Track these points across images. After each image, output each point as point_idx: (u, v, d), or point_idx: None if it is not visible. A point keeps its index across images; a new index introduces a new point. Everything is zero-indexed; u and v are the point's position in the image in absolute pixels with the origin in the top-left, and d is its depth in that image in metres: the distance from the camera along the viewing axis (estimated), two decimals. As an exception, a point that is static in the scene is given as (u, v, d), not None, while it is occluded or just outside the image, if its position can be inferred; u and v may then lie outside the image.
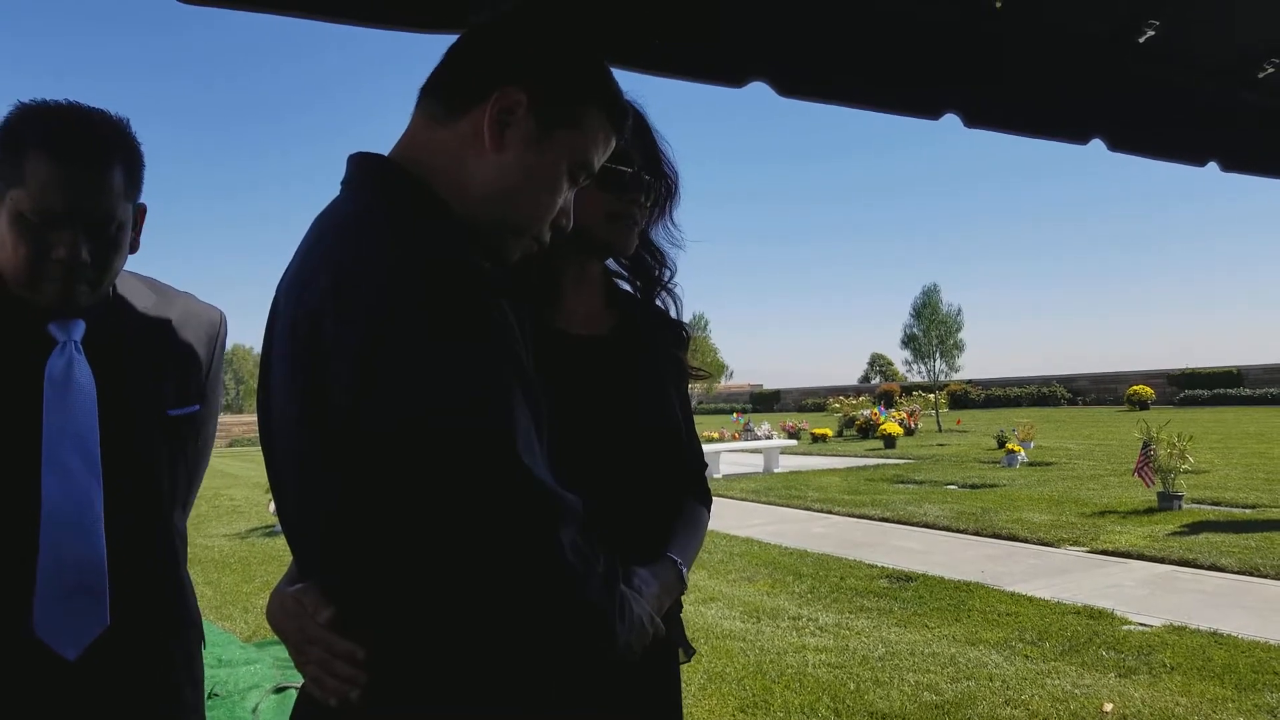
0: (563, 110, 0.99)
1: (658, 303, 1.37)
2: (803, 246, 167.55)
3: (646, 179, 1.24)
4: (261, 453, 1.02)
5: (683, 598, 1.23)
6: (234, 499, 14.41)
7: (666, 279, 1.37)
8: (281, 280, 0.99)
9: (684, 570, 1.18)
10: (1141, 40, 1.83)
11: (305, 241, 0.98)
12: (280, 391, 0.93)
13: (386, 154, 1.01)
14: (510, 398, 0.84)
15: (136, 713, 1.31)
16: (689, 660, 1.29)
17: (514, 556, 0.83)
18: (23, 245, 1.23)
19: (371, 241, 0.88)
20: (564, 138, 0.99)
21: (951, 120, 1.82)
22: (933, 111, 1.81)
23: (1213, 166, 2.24)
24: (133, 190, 1.31)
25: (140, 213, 1.35)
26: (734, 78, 1.60)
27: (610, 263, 1.36)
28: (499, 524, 0.83)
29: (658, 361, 1.30)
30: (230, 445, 39.35)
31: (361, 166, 1.00)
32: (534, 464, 0.84)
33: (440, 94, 0.99)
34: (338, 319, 0.84)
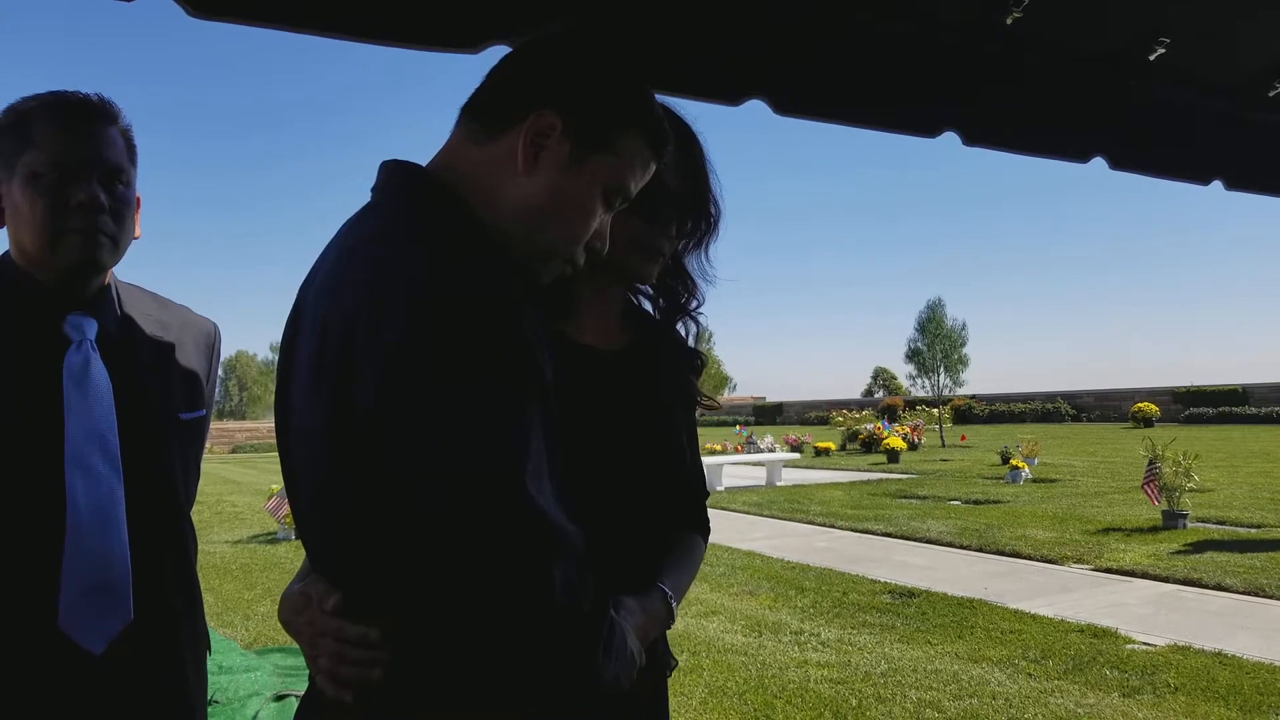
0: (598, 135, 0.98)
1: (678, 327, 1.35)
2: (807, 261, 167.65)
3: (681, 213, 1.22)
4: (277, 457, 1.02)
5: (685, 611, 1.22)
6: (236, 505, 14.41)
7: (692, 307, 1.34)
8: (308, 283, 0.99)
9: (674, 603, 1.16)
10: (1152, 58, 1.84)
11: (335, 247, 0.98)
12: (303, 393, 0.94)
13: (420, 164, 1.01)
14: (527, 432, 0.84)
15: (154, 707, 1.33)
16: (670, 672, 1.28)
17: (503, 587, 0.83)
18: (41, 200, 1.26)
19: (410, 255, 0.88)
20: (599, 163, 0.99)
21: (952, 139, 1.83)
22: (930, 130, 1.82)
23: (1216, 185, 2.25)
24: (132, 157, 1.36)
25: (137, 201, 1.38)
26: (731, 96, 1.61)
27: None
28: (494, 551, 0.83)
29: (668, 383, 1.29)
30: (233, 451, 39.37)
31: (397, 175, 1.00)
32: (539, 493, 0.84)
33: (479, 114, 1.00)
34: (373, 328, 0.85)
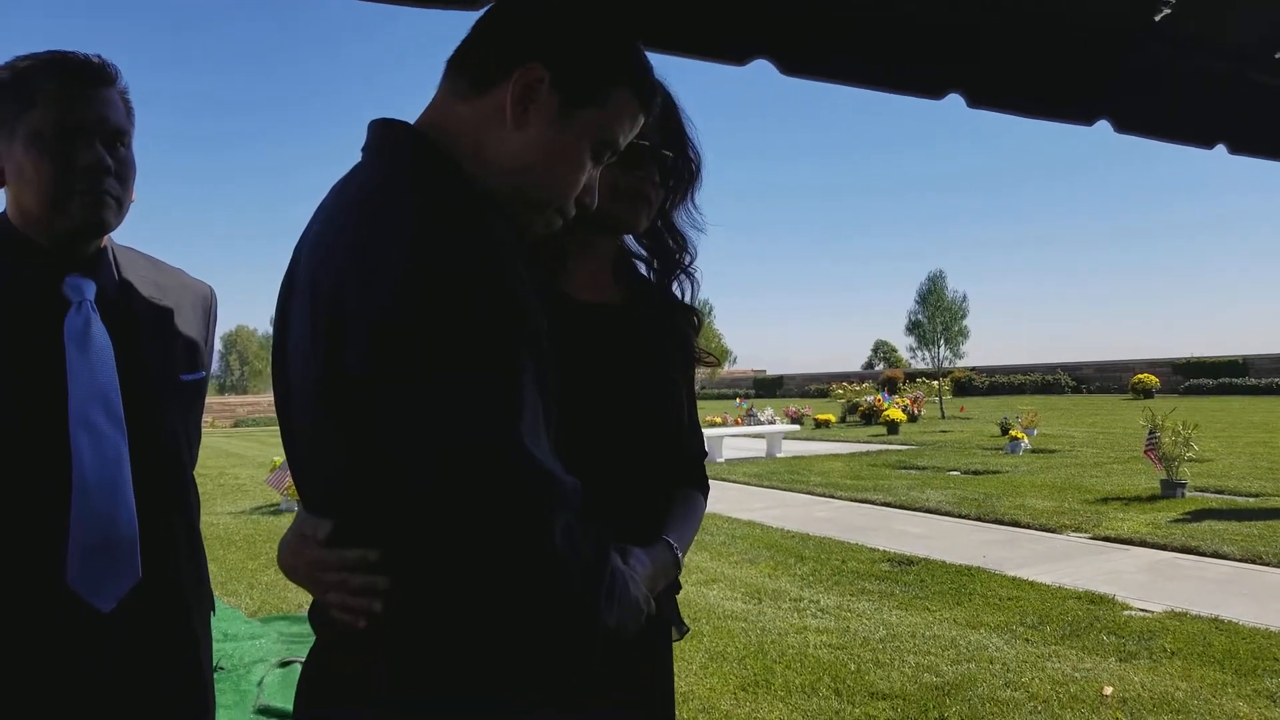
0: (586, 88, 0.98)
1: (675, 286, 1.35)
2: (808, 235, 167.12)
3: (662, 157, 1.22)
4: (278, 430, 1.02)
5: (685, 579, 1.23)
6: (238, 478, 14.49)
7: (686, 263, 1.34)
8: (301, 242, 0.99)
9: (679, 554, 1.18)
10: (1157, 19, 1.80)
11: (327, 206, 0.98)
12: (299, 352, 0.94)
13: (410, 122, 1.00)
14: (522, 394, 0.84)
15: (165, 665, 1.34)
16: (681, 638, 1.30)
17: (505, 543, 0.83)
18: (46, 161, 1.25)
19: (399, 212, 0.88)
20: (587, 116, 0.98)
21: (958, 104, 1.81)
22: (936, 91, 1.79)
23: (1220, 150, 2.23)
24: (131, 119, 1.35)
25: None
26: (736, 56, 1.59)
27: (632, 244, 1.34)
28: (494, 513, 0.83)
29: (666, 340, 1.28)
30: (235, 425, 39.46)
31: (385, 133, 0.99)
32: (535, 446, 0.84)
33: (465, 68, 0.99)
34: (364, 288, 0.84)
